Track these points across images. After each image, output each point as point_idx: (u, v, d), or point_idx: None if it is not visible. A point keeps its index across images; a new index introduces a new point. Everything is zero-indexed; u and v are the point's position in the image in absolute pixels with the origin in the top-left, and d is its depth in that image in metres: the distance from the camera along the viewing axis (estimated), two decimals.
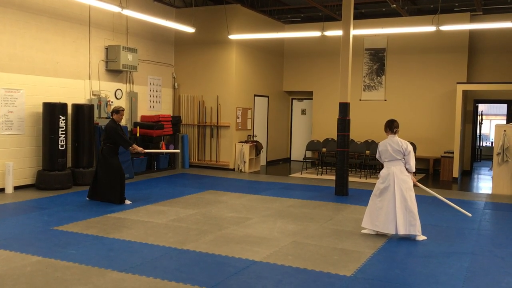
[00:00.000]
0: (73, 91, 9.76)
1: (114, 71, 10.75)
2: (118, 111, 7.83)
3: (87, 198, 8.00)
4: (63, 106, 9.01)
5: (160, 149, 11.54)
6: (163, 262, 4.91)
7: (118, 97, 10.89)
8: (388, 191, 6.07)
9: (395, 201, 6.00)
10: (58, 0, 9.32)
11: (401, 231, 5.97)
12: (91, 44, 10.18)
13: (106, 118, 10.36)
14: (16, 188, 8.66)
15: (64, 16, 9.54)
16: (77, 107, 9.41)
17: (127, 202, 7.80)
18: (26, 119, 8.88)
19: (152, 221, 6.63)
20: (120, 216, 6.88)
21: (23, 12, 8.75)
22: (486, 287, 4.45)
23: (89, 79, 10.17)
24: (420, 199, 8.94)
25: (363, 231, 6.31)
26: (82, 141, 9.41)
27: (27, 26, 8.83)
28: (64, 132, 8.99)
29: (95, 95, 10.25)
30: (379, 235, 6.19)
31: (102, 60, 10.47)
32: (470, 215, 6.48)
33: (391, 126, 6.26)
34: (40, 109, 9.00)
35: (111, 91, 10.71)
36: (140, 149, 7.95)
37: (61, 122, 8.93)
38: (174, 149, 12.14)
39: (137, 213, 7.14)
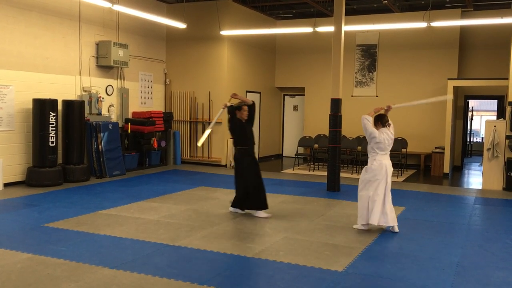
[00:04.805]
0: (63, 87, 9.69)
1: (105, 67, 10.68)
2: (240, 107, 6.92)
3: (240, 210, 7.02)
4: (53, 102, 8.94)
5: (152, 145, 11.50)
6: (154, 259, 4.89)
7: (109, 93, 10.83)
8: (381, 185, 6.09)
9: (384, 194, 6.06)
10: None
11: (391, 223, 6.07)
12: (82, 39, 10.10)
13: (97, 114, 10.30)
14: (6, 185, 8.59)
15: (54, 12, 9.45)
16: (67, 103, 9.34)
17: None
18: (16, 115, 8.80)
19: (143, 218, 6.60)
20: (111, 213, 6.85)
21: (12, 7, 8.66)
22: (476, 281, 4.48)
23: (80, 75, 10.09)
24: (410, 194, 9.01)
25: (355, 226, 6.33)
26: (73, 138, 9.34)
27: (16, 21, 8.73)
28: (54, 128, 8.92)
29: (85, 91, 10.18)
30: (370, 230, 6.22)
31: (93, 56, 10.40)
32: (450, 96, 6.46)
33: (383, 120, 6.27)
34: (30, 105, 8.92)
35: (102, 87, 10.64)
36: None
37: (51, 119, 8.86)
38: (165, 145, 12.11)
39: (129, 209, 7.11)
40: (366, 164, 6.34)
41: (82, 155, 9.51)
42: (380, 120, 6.27)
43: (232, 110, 6.98)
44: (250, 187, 6.89)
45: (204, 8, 12.28)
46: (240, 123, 6.94)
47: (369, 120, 6.29)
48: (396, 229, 6.16)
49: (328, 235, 5.96)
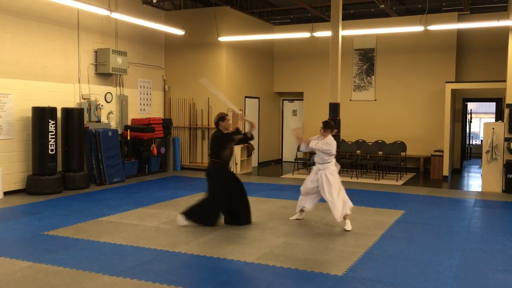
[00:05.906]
0: (62, 95, 9.72)
1: (104, 75, 10.71)
2: (223, 117, 6.45)
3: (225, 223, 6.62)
4: (53, 110, 8.96)
5: (151, 151, 11.50)
6: (154, 265, 4.90)
7: (108, 100, 10.85)
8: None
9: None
10: (46, 3, 9.26)
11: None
12: (80, 47, 10.14)
13: (96, 121, 10.32)
14: (5, 193, 8.60)
15: (53, 20, 9.49)
16: (66, 111, 9.36)
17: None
18: (15, 123, 8.83)
19: (143, 224, 6.61)
20: (111, 220, 6.86)
21: (11, 16, 8.70)
22: (476, 284, 4.49)
23: (79, 82, 10.12)
24: (410, 197, 9.02)
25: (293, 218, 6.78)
26: (72, 145, 9.35)
27: (15, 31, 8.78)
28: (53, 136, 8.94)
29: (84, 98, 10.20)
30: (369, 234, 6.23)
31: (92, 64, 10.43)
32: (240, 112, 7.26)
33: (333, 127, 6.78)
34: (29, 114, 8.94)
35: (101, 95, 10.67)
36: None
37: (51, 126, 8.88)
38: (165, 151, 12.13)
39: (129, 216, 7.11)
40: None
41: (81, 163, 9.52)
42: (331, 128, 6.71)
43: (216, 121, 6.56)
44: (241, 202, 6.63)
45: (202, 15, 12.34)
46: (221, 133, 6.50)
47: (317, 142, 6.66)
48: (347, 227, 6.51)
49: (328, 239, 5.97)
